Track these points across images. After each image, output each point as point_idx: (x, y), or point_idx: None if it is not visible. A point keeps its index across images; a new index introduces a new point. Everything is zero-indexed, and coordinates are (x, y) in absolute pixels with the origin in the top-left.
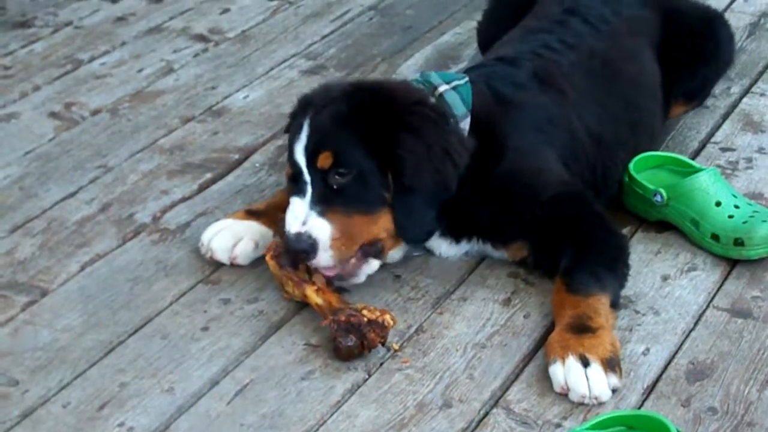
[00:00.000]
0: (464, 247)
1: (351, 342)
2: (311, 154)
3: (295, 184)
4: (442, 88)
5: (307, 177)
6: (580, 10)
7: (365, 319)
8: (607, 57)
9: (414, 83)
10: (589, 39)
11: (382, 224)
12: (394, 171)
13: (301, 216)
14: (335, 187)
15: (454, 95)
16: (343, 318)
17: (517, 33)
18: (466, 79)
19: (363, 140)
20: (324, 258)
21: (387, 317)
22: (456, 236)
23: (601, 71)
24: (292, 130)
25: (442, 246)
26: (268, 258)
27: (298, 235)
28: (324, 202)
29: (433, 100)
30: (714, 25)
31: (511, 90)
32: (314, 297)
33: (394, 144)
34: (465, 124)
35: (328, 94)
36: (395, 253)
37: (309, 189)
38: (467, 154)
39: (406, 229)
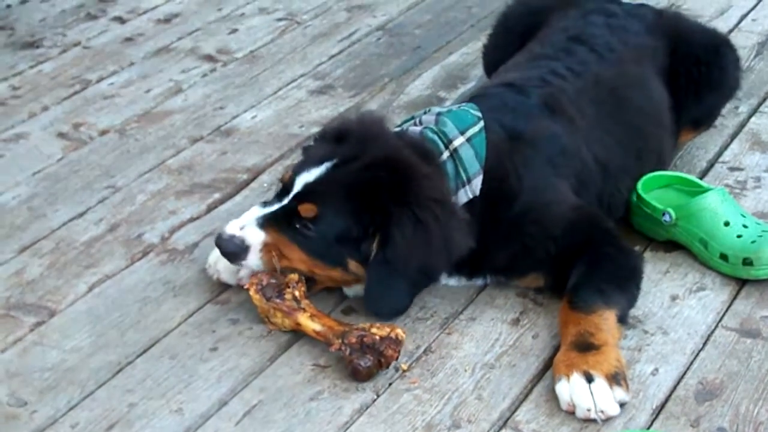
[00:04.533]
0: (479, 280)
1: (369, 362)
2: (304, 193)
3: (273, 196)
4: (458, 141)
5: (286, 200)
6: (585, 38)
7: (377, 337)
8: (612, 84)
9: (429, 133)
10: (595, 67)
11: (326, 272)
12: (383, 244)
13: (243, 223)
14: (297, 226)
15: (469, 151)
16: (354, 340)
17: (522, 58)
18: (481, 124)
19: (361, 213)
20: (253, 259)
21: (398, 331)
22: (469, 275)
23: (607, 99)
24: (314, 148)
25: (451, 281)
26: (252, 292)
27: (231, 237)
28: (273, 222)
29: (446, 155)
30: (720, 51)
31: (523, 123)
32: (310, 324)
33: (394, 223)
34: (477, 183)
35: (364, 145)
36: (351, 291)
37: (275, 207)
38: (466, 249)
39: (374, 301)
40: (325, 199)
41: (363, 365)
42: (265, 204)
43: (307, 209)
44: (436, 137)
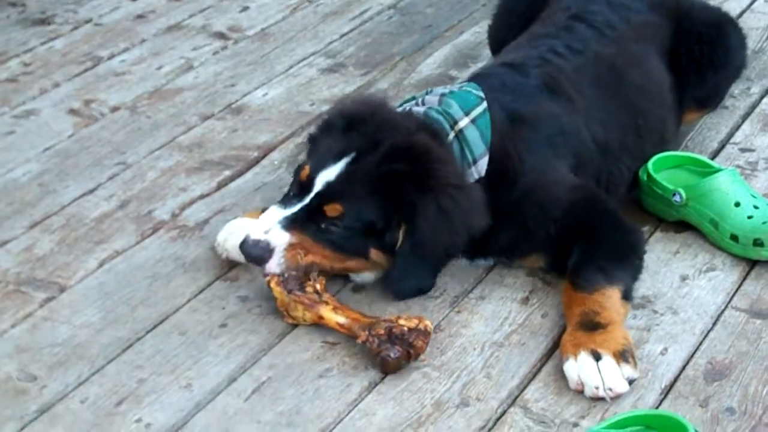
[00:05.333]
0: (481, 261)
1: (398, 353)
2: (327, 194)
3: (290, 194)
4: (463, 122)
5: (307, 199)
6: (586, 16)
7: (406, 328)
8: (612, 62)
9: (434, 114)
10: (595, 44)
11: (345, 264)
12: (411, 232)
13: (267, 226)
14: (323, 226)
15: (474, 132)
16: (382, 331)
17: (524, 39)
18: (485, 105)
19: (385, 205)
20: (277, 260)
21: (427, 323)
22: (471, 256)
23: (606, 77)
24: (325, 140)
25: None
26: (273, 285)
27: (256, 242)
28: (298, 224)
29: (452, 136)
30: (724, 30)
31: (523, 104)
32: (333, 316)
33: (419, 212)
34: (483, 164)
35: (379, 133)
36: (357, 276)
37: (297, 207)
38: (485, 226)
39: (399, 285)
40: (350, 197)
41: (392, 356)
42: (284, 204)
43: (333, 209)
44: (441, 118)
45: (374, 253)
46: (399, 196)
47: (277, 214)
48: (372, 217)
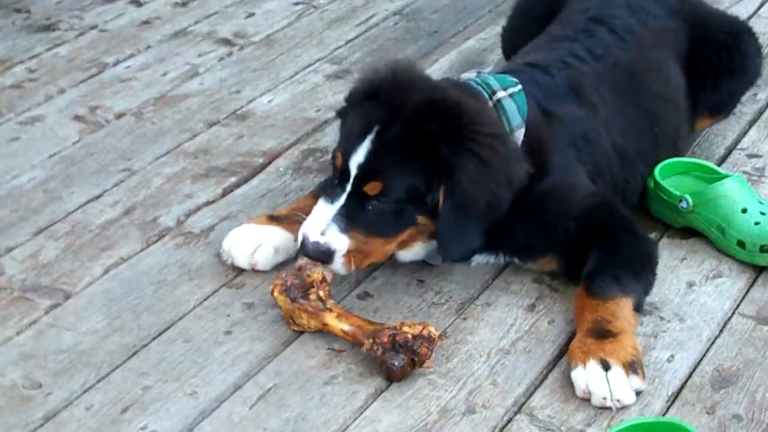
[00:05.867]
0: (492, 258)
1: (403, 361)
2: (363, 175)
3: (334, 183)
4: (501, 94)
5: (348, 186)
6: (605, 19)
7: (410, 335)
8: (631, 68)
9: (472, 84)
10: (614, 49)
11: (398, 242)
12: (451, 193)
13: (322, 226)
14: (369, 208)
15: (512, 104)
16: (386, 338)
17: (542, 40)
18: (520, 87)
19: (423, 168)
20: (338, 265)
21: (431, 329)
22: (486, 249)
23: (626, 83)
24: (350, 123)
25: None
26: (276, 293)
27: (316, 244)
28: (350, 219)
29: (490, 104)
30: (741, 38)
31: (553, 102)
32: (338, 324)
33: (457, 170)
34: (519, 135)
35: (401, 100)
36: (407, 255)
37: (342, 199)
38: (525, 178)
39: (450, 249)
40: (384, 171)
41: (397, 365)
42: (330, 196)
43: (372, 188)
44: (479, 87)
45: (421, 219)
46: (433, 159)
47: (327, 211)
48: (412, 182)
